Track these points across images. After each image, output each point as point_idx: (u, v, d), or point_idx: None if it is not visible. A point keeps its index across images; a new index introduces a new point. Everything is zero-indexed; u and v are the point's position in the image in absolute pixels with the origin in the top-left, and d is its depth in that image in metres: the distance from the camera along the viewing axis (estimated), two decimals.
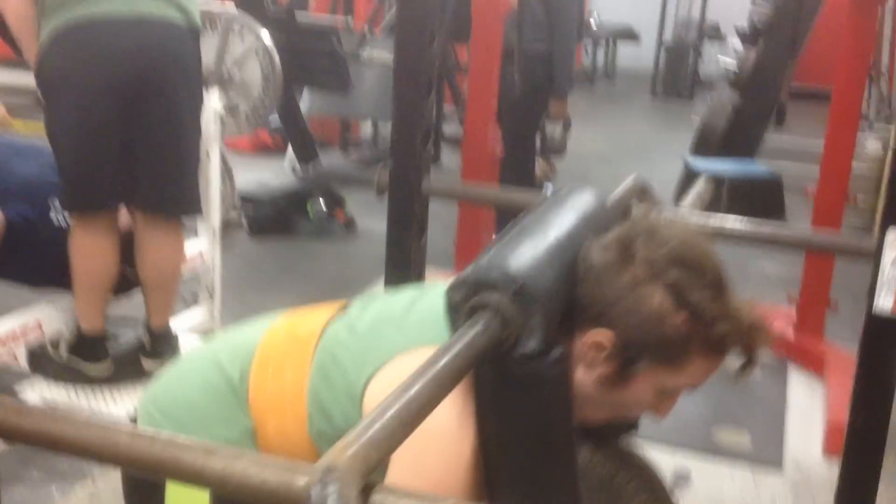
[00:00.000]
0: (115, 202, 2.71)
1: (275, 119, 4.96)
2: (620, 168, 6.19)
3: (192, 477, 0.79)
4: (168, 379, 1.41)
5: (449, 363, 0.93)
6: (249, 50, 3.52)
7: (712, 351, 1.18)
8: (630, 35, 11.16)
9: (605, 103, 9.97)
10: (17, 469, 2.55)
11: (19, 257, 2.72)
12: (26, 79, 2.71)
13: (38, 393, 2.75)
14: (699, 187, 2.20)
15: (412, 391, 0.86)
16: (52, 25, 2.53)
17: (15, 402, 0.92)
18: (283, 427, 1.27)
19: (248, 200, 4.66)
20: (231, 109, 3.49)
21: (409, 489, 0.80)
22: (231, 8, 3.61)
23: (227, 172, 4.43)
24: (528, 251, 1.16)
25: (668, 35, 10.70)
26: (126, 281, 2.83)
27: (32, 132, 2.99)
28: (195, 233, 3.34)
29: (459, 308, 1.11)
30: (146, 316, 2.85)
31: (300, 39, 4.66)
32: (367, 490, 0.73)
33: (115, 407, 2.70)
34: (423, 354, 1.02)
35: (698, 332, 1.16)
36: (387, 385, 1.18)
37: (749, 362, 1.19)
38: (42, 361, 2.77)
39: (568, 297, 1.18)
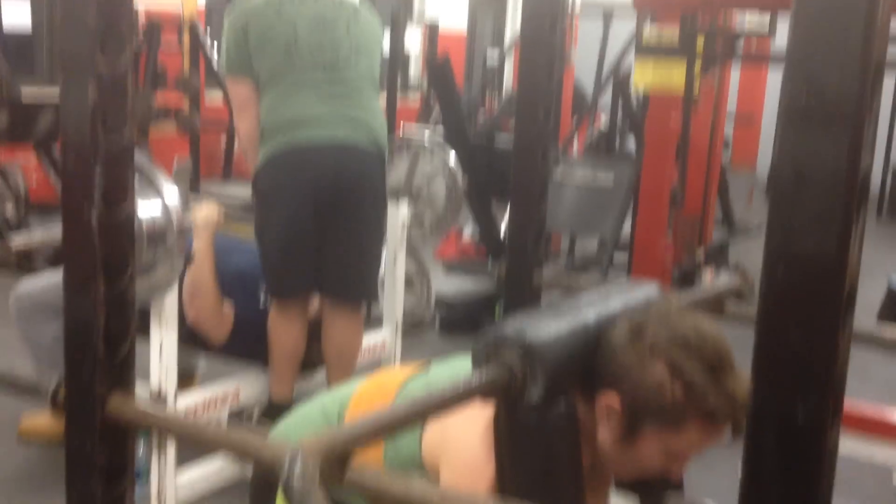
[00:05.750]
0: (308, 291, 3.20)
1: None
2: None
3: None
4: (285, 422, 1.77)
5: (445, 396, 1.20)
6: (437, 168, 3.98)
7: (706, 421, 1.39)
8: None
9: None
10: None
11: (235, 341, 3.25)
12: (236, 191, 3.27)
13: None
14: None
15: (397, 411, 1.14)
16: (267, 148, 3.09)
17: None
18: (366, 454, 1.57)
19: (442, 302, 5.07)
20: (418, 219, 3.94)
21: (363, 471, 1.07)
22: (422, 134, 4.12)
23: (424, 277, 4.89)
24: (549, 321, 1.42)
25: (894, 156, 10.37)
26: (312, 360, 3.29)
27: (241, 233, 3.57)
28: (380, 324, 3.77)
29: (479, 360, 1.39)
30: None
31: (499, 160, 5.13)
32: (326, 467, 1.00)
33: None
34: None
35: (692, 403, 1.37)
36: (438, 422, 1.47)
37: (738, 433, 1.38)
38: (238, 422, 3.25)
39: (585, 365, 1.43)
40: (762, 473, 0.87)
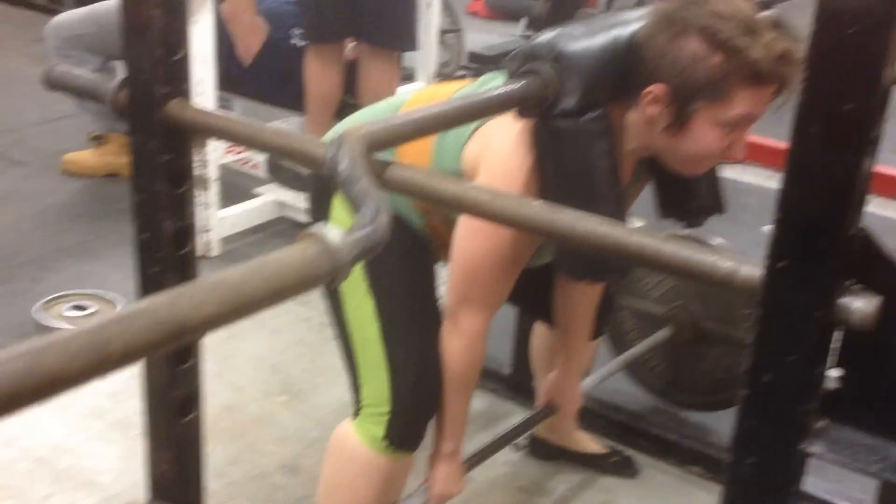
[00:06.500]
0: (343, 35, 3.19)
1: None
2: None
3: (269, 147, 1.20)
4: (336, 127, 1.80)
5: (482, 103, 1.24)
6: None
7: (752, 79, 1.36)
8: None
9: None
10: None
11: (267, 75, 3.28)
12: None
13: (274, 195, 3.30)
14: None
15: (435, 111, 1.17)
16: None
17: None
18: (415, 160, 1.59)
19: (475, 58, 5.02)
20: None
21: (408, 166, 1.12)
22: None
23: (458, 34, 4.81)
24: (579, 33, 1.42)
25: None
26: (347, 107, 3.31)
27: None
28: (412, 78, 3.76)
29: (514, 74, 1.41)
30: None
31: None
32: (369, 154, 1.03)
33: None
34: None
35: (734, 64, 1.35)
36: (480, 135, 1.52)
37: (783, 88, 1.37)
38: (277, 170, 3.33)
39: (620, 72, 1.42)
40: (806, 156, 0.90)
